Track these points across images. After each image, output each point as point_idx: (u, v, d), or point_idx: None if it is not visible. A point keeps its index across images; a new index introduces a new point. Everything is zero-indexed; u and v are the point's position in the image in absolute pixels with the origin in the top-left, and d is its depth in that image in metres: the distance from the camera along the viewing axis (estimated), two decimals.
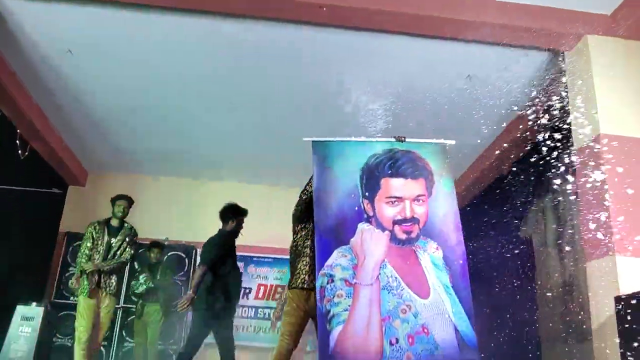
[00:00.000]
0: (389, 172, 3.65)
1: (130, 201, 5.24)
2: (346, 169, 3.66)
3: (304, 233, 4.13)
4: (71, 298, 6.95)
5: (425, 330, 3.25)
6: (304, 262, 4.04)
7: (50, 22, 4.73)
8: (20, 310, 2.83)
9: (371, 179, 3.63)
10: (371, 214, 3.56)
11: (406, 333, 3.23)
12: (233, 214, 4.80)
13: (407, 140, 3.75)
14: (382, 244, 3.48)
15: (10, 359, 2.69)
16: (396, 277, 3.37)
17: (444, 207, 3.64)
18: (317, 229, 3.52)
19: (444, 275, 3.45)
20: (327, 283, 3.30)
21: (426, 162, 3.72)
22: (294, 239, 4.24)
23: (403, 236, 3.52)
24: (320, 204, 3.58)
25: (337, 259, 3.39)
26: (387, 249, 3.46)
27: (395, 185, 3.62)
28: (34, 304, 2.87)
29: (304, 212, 4.03)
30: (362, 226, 3.51)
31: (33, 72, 5.47)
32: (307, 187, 3.92)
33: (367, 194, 3.60)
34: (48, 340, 2.98)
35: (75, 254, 7.14)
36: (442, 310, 3.33)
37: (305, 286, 3.93)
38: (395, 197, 3.58)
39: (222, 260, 4.57)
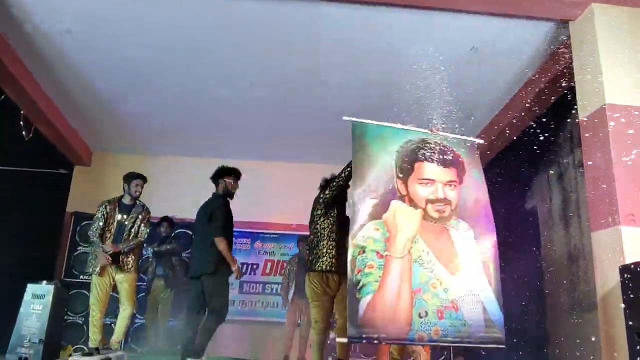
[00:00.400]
0: (422, 157, 3.74)
1: (145, 180, 5.21)
2: (383, 148, 3.72)
3: (330, 219, 4.38)
4: (81, 276, 7.06)
5: (455, 306, 3.27)
6: (330, 246, 4.30)
7: (50, 0, 4.69)
8: (31, 288, 2.86)
9: (405, 161, 3.70)
10: (404, 193, 3.60)
11: (435, 307, 3.25)
12: (220, 176, 4.78)
13: (439, 133, 3.87)
14: (415, 220, 3.51)
15: (23, 335, 2.73)
16: (428, 252, 3.41)
17: (474, 193, 3.74)
18: (353, 200, 3.55)
19: (474, 254, 3.51)
20: (359, 254, 3.31)
21: (457, 154, 3.83)
22: (316, 221, 4.46)
23: (435, 214, 3.57)
24: (357, 177, 3.61)
25: (370, 231, 3.40)
26: (420, 225, 3.51)
27: (427, 169, 3.70)
28: (44, 282, 2.91)
29: (333, 199, 4.32)
30: (396, 203, 3.53)
31: (35, 52, 5.45)
32: (340, 175, 4.16)
33: (400, 175, 3.66)
34: (59, 318, 3.02)
35: (83, 233, 7.24)
36: (472, 288, 3.37)
37: (333, 269, 4.25)
38: (428, 179, 3.66)
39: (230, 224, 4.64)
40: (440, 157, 3.76)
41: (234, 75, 5.84)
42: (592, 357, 4.31)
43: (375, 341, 3.15)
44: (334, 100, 6.35)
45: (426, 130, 3.90)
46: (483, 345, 3.34)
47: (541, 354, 5.37)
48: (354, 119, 3.81)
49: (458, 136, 4.00)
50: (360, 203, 3.49)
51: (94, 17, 4.89)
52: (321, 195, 4.52)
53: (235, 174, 4.82)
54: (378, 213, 3.47)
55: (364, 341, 3.14)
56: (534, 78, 5.43)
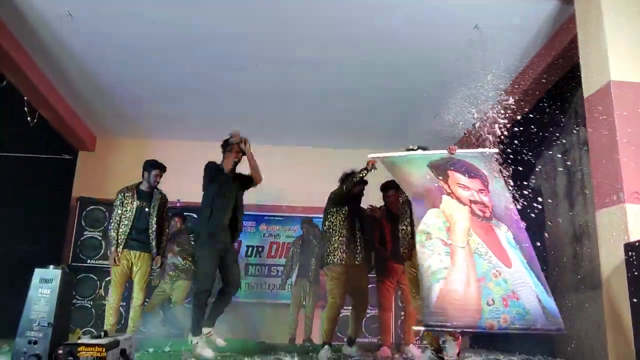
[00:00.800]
0: (452, 167, 3.98)
1: (164, 170, 5.23)
2: (414, 166, 4.00)
3: (341, 215, 4.82)
4: (88, 261, 7.13)
5: (515, 296, 3.31)
6: (341, 241, 4.70)
7: None
8: (39, 272, 2.88)
9: (440, 169, 3.95)
10: (449, 191, 3.80)
11: (500, 296, 3.28)
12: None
13: (456, 151, 4.11)
14: (466, 214, 3.67)
15: (32, 319, 2.77)
16: (483, 245, 3.51)
17: (502, 201, 3.90)
18: (409, 194, 3.82)
19: (518, 251, 3.60)
20: (426, 240, 3.44)
21: (476, 167, 4.03)
22: (327, 218, 4.85)
23: (480, 213, 3.72)
24: (404, 184, 3.92)
25: (432, 218, 3.56)
26: (470, 220, 3.66)
27: (461, 178, 3.92)
28: (52, 266, 2.94)
29: (344, 198, 4.78)
30: (446, 197, 3.74)
31: (36, 39, 5.45)
32: (352, 177, 4.69)
33: (440, 177, 3.90)
34: (68, 302, 3.07)
35: (89, 218, 7.29)
36: (525, 280, 3.42)
37: (343, 262, 4.71)
38: (464, 185, 3.88)
39: (220, 193, 4.60)
40: (465, 170, 3.98)
41: (236, 58, 5.82)
42: (596, 335, 4.33)
43: (450, 329, 3.19)
44: (337, 83, 6.33)
45: (444, 151, 4.11)
46: (547, 332, 3.40)
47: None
48: (378, 154, 4.13)
49: (473, 150, 4.24)
50: (417, 194, 3.76)
51: (94, 1, 4.86)
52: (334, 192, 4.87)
53: (224, 144, 4.78)
54: (435, 204, 3.67)
55: (437, 329, 3.18)
56: (538, 56, 5.38)
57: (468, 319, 3.19)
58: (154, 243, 5.02)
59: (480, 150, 4.23)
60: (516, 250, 3.60)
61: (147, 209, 5.03)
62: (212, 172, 4.64)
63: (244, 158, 4.74)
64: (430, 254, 3.38)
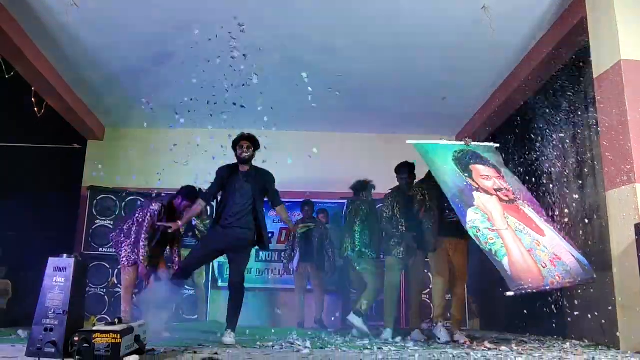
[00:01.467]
0: (473, 161, 4.49)
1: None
2: (443, 158, 4.49)
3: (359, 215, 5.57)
4: (99, 249, 7.20)
5: (557, 257, 3.78)
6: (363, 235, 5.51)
7: None
8: (52, 261, 2.93)
9: (463, 165, 4.43)
10: (476, 186, 4.24)
11: (548, 259, 3.76)
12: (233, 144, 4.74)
13: (471, 143, 4.69)
14: (495, 202, 4.12)
15: (48, 307, 2.82)
16: (519, 223, 3.98)
17: (514, 183, 4.42)
18: (448, 196, 4.22)
19: (542, 220, 4.09)
20: (477, 232, 3.90)
21: (487, 159, 4.57)
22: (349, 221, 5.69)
23: (505, 198, 4.19)
24: (441, 182, 4.33)
25: (472, 215, 4.01)
26: (501, 206, 4.11)
27: (481, 169, 4.43)
28: (65, 255, 2.99)
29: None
30: (476, 193, 4.17)
31: (43, 29, 5.45)
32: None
33: (466, 174, 4.36)
34: (81, 290, 3.12)
35: (100, 207, 7.35)
36: (558, 242, 3.90)
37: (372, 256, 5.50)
38: (486, 175, 4.37)
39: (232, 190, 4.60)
40: (481, 160, 4.50)
41: (243, 44, 5.78)
42: (608, 316, 4.34)
43: (531, 291, 3.62)
44: (340, 66, 6.29)
45: (462, 142, 4.71)
46: (586, 282, 3.89)
47: (558, 314, 5.41)
48: (414, 141, 4.64)
49: (482, 143, 4.86)
50: (454, 197, 4.17)
51: None
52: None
53: (235, 141, 4.71)
54: (469, 203, 4.09)
55: (523, 292, 3.60)
56: (547, 36, 5.33)
57: (537, 281, 3.62)
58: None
59: (484, 144, 4.80)
60: (541, 220, 4.07)
61: (158, 224, 4.94)
62: (222, 172, 4.63)
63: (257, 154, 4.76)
64: (486, 240, 3.84)
